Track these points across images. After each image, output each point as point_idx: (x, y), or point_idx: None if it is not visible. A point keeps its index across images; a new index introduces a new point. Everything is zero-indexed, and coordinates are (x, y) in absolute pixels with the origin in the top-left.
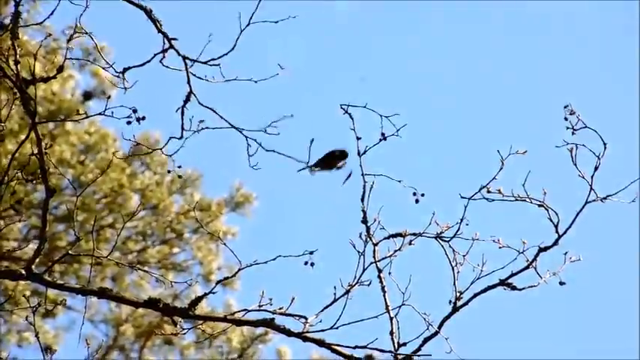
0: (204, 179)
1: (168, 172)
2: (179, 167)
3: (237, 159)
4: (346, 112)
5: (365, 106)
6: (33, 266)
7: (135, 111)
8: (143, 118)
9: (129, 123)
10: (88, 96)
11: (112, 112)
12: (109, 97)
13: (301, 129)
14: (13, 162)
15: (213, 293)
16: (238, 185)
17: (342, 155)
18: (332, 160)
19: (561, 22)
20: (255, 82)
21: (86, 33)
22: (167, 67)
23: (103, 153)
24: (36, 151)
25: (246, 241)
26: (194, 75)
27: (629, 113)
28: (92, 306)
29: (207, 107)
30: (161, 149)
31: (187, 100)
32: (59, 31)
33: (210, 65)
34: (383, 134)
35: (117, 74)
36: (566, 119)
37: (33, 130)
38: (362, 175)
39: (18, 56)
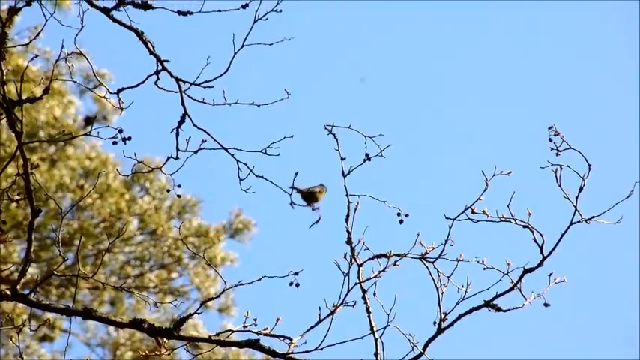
0: (204, 205)
1: (168, 191)
2: (179, 186)
3: (235, 183)
4: (330, 132)
5: (349, 127)
6: (18, 286)
7: (120, 131)
8: (129, 138)
9: (115, 143)
10: (89, 121)
11: (98, 133)
12: (95, 118)
13: (298, 147)
14: (6, 182)
15: (199, 313)
16: (237, 212)
17: (316, 196)
18: (310, 199)
19: (546, 39)
20: (258, 106)
21: (81, 54)
22: (162, 88)
23: (103, 177)
24: (22, 172)
25: (245, 267)
26: (189, 97)
27: (614, 134)
28: (89, 329)
29: (201, 129)
30: (160, 168)
31: (182, 121)
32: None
33: (205, 87)
34: (367, 155)
35: (111, 95)
36: (550, 140)
37: (19, 150)
38: (346, 195)
39: (5, 77)
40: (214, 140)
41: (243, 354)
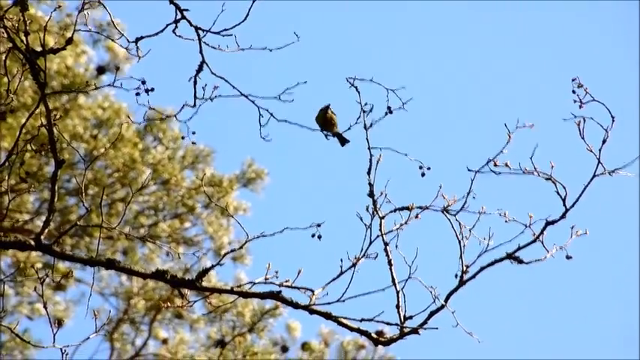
0: (217, 155)
1: (182, 138)
2: (193, 133)
3: (249, 133)
4: (352, 85)
5: (371, 80)
6: (42, 237)
7: (144, 82)
8: (152, 89)
9: (137, 94)
10: (101, 70)
11: (121, 84)
12: (117, 68)
13: (313, 97)
14: (24, 134)
15: (221, 265)
16: (250, 161)
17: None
18: (327, 123)
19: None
20: (270, 50)
21: (99, 2)
22: (180, 36)
23: (116, 127)
24: (45, 123)
25: (258, 216)
26: (207, 44)
27: (636, 86)
28: (102, 279)
29: (220, 77)
30: (175, 116)
31: (200, 69)
32: (74, 7)
33: (223, 35)
34: (389, 107)
35: (130, 44)
36: (573, 92)
37: (42, 101)
38: (368, 148)
39: (27, 28)
40: (233, 87)
41: (254, 302)
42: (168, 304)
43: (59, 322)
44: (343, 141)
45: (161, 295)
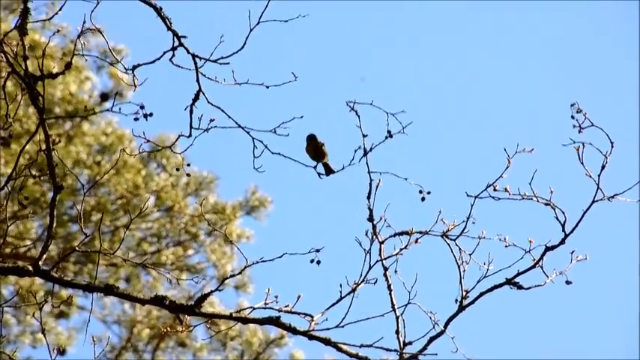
0: (220, 182)
1: (177, 170)
2: (188, 165)
3: (250, 160)
4: (352, 109)
5: (371, 103)
6: (40, 262)
7: (142, 107)
8: (151, 114)
9: (136, 119)
10: (105, 97)
11: (120, 109)
12: (117, 94)
13: (309, 128)
14: (27, 160)
15: (220, 290)
16: (254, 189)
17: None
18: (318, 152)
19: (567, 20)
20: (267, 87)
21: (97, 30)
22: (177, 65)
23: (119, 154)
24: (44, 148)
25: (261, 244)
26: (203, 75)
27: (635, 111)
28: (105, 306)
29: (216, 106)
30: (170, 147)
31: (196, 98)
32: (75, 32)
33: (220, 64)
34: (389, 132)
35: (127, 71)
36: (572, 117)
37: (41, 126)
38: (368, 172)
39: (26, 52)
40: (229, 117)
41: (260, 331)
42: (168, 329)
43: (61, 350)
44: (330, 171)
45: (164, 323)
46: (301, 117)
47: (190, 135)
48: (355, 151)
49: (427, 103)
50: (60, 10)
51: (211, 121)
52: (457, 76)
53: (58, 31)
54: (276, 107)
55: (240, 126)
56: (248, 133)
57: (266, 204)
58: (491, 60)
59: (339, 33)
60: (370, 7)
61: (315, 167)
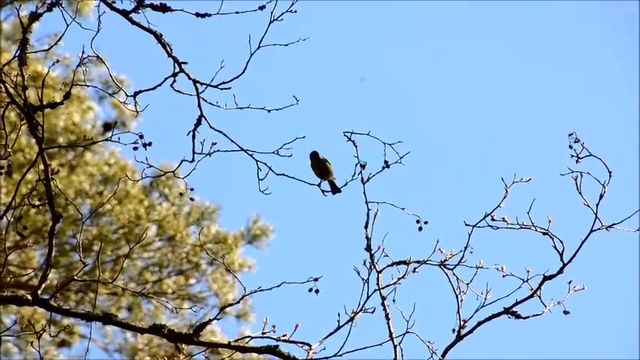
0: (222, 211)
1: (180, 195)
2: (192, 189)
3: (251, 185)
4: (349, 139)
5: (368, 134)
6: (39, 291)
7: (141, 136)
8: (150, 143)
9: (135, 149)
10: (107, 127)
11: (119, 138)
12: (116, 123)
13: (312, 148)
14: (28, 189)
15: (219, 319)
16: (255, 217)
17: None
18: (324, 169)
19: (565, 48)
20: (269, 111)
21: (98, 58)
22: (178, 91)
23: (121, 184)
24: (43, 177)
25: (263, 273)
26: (205, 100)
27: (635, 141)
28: (107, 335)
29: (218, 131)
30: (173, 172)
31: (198, 123)
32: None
33: (221, 89)
34: (386, 162)
35: (128, 98)
36: (570, 147)
37: (40, 155)
38: (366, 202)
39: (26, 82)
40: (232, 141)
41: None
42: (166, 358)
43: None
44: (336, 190)
45: (166, 351)
46: (303, 137)
47: (193, 160)
48: (352, 177)
49: (425, 133)
50: (59, 40)
51: (214, 144)
52: (456, 106)
53: (58, 61)
54: (277, 128)
55: (242, 149)
56: (251, 155)
57: (268, 233)
58: (490, 89)
59: (339, 33)
60: (370, 7)
61: (319, 185)
